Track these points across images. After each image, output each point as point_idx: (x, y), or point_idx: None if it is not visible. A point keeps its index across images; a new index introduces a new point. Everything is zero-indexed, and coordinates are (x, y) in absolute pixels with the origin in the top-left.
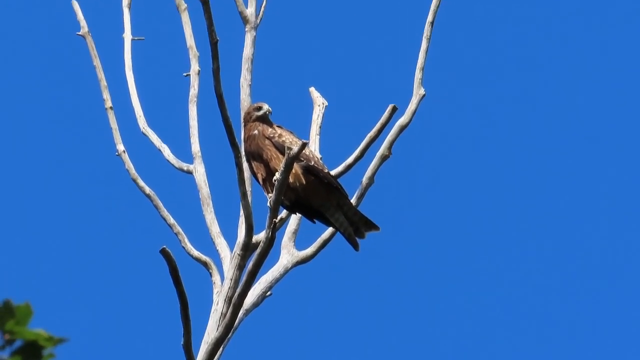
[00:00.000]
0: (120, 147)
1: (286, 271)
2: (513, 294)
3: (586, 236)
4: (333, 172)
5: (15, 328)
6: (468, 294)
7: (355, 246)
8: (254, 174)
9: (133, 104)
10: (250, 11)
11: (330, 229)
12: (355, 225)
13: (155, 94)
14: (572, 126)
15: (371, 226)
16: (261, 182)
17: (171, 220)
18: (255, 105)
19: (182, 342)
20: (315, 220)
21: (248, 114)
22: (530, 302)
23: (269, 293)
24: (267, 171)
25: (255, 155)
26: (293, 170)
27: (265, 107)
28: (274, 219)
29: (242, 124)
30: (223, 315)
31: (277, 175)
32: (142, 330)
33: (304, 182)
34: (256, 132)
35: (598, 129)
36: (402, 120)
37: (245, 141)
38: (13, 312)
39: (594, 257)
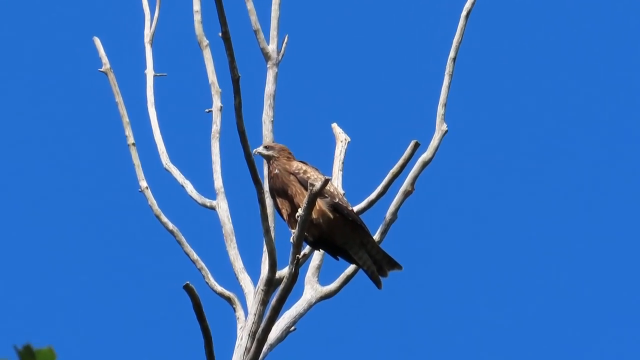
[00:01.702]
0: (143, 183)
1: (310, 306)
2: (543, 332)
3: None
4: (356, 208)
5: None
6: (492, 332)
7: (378, 284)
8: (278, 210)
9: (156, 140)
10: (272, 47)
11: (353, 265)
12: (378, 264)
13: (178, 130)
14: (599, 160)
15: (394, 265)
16: (286, 218)
17: (194, 256)
18: None
19: None
20: (338, 257)
21: None
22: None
23: (292, 328)
24: (291, 207)
25: (280, 192)
26: (317, 207)
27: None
28: (297, 255)
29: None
30: (247, 350)
31: (300, 212)
32: None
33: (328, 219)
34: (277, 171)
35: (629, 167)
36: (425, 155)
37: (269, 178)
38: (34, 357)
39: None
